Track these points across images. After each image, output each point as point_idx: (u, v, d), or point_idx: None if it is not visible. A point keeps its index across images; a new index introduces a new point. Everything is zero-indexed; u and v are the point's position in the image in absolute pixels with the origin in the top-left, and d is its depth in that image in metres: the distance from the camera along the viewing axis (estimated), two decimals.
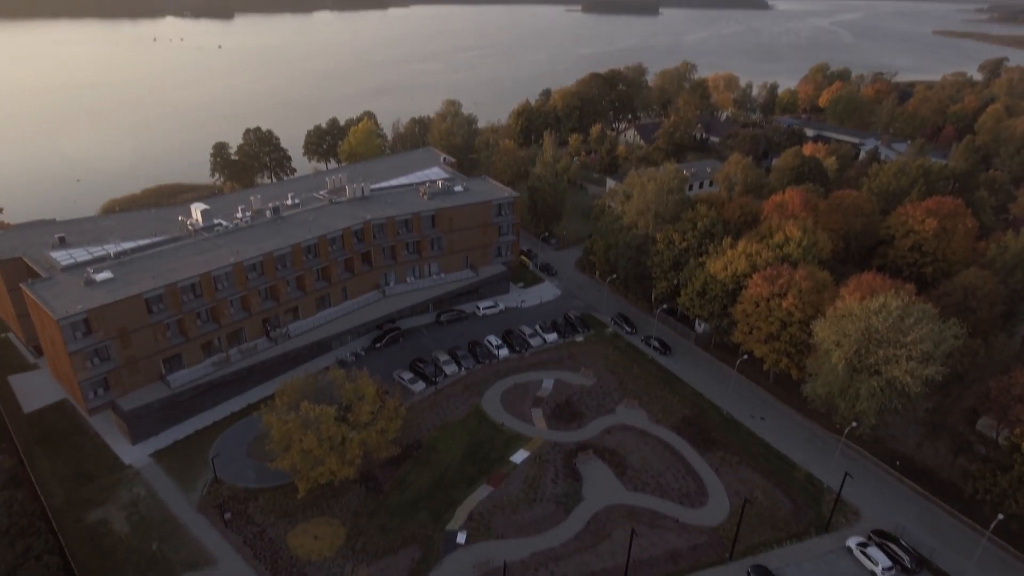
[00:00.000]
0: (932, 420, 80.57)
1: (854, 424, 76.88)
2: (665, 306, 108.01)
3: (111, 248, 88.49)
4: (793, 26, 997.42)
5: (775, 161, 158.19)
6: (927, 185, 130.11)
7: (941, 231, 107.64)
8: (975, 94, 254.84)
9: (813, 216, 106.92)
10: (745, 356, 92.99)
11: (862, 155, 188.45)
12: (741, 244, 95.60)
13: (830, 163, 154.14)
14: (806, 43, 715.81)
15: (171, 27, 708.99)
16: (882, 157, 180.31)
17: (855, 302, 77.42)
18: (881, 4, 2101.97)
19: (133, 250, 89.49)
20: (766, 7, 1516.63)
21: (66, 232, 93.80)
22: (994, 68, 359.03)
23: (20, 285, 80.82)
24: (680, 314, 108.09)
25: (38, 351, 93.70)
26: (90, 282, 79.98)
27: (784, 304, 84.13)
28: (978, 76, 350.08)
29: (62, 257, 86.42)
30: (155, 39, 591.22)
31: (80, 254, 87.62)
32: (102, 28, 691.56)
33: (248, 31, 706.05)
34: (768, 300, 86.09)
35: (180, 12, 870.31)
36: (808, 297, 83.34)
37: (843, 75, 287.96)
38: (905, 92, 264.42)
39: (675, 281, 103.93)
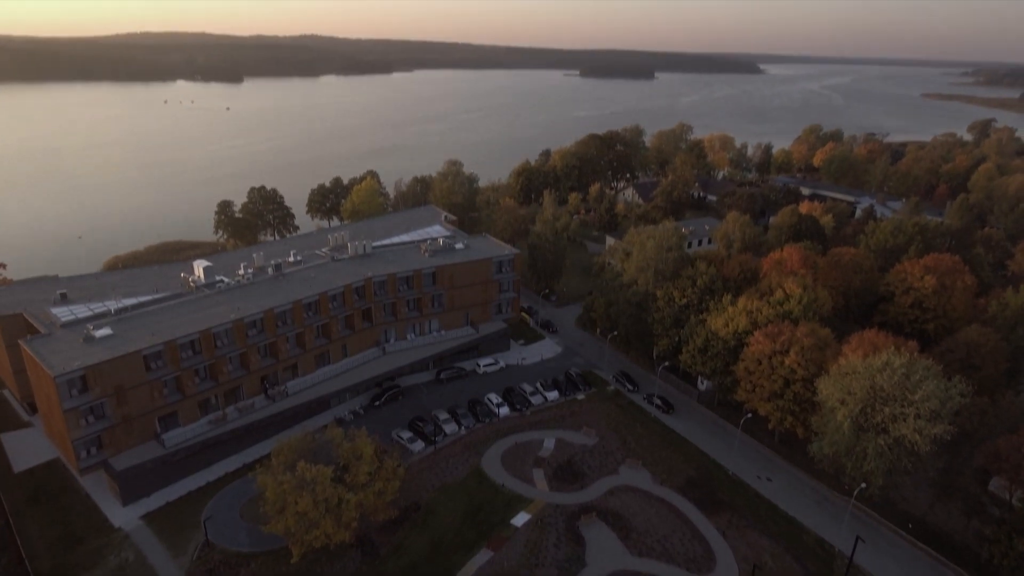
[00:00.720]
0: (943, 481, 78.72)
1: (863, 485, 75.06)
2: (667, 363, 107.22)
3: (112, 304, 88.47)
4: (784, 89, 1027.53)
5: (772, 219, 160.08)
6: (924, 242, 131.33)
7: (940, 288, 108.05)
8: (966, 154, 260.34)
9: (812, 273, 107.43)
10: (749, 415, 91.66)
11: (858, 213, 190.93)
12: (741, 301, 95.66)
13: (827, 221, 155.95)
14: (798, 105, 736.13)
15: (182, 90, 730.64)
16: (878, 215, 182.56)
17: (858, 359, 76.82)
18: (868, 68, 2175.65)
19: (134, 306, 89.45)
20: (757, 71, 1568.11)
21: (68, 288, 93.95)
22: (983, 129, 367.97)
23: (19, 341, 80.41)
24: (682, 371, 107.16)
25: (32, 408, 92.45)
26: (89, 339, 79.58)
27: (786, 361, 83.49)
28: (967, 136, 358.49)
29: (62, 313, 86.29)
30: (166, 101, 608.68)
31: (81, 310, 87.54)
32: (115, 91, 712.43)
33: (256, 94, 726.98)
34: (770, 357, 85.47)
35: (192, 76, 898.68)
36: (810, 354, 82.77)
37: (836, 136, 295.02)
38: (897, 152, 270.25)
39: (676, 338, 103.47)
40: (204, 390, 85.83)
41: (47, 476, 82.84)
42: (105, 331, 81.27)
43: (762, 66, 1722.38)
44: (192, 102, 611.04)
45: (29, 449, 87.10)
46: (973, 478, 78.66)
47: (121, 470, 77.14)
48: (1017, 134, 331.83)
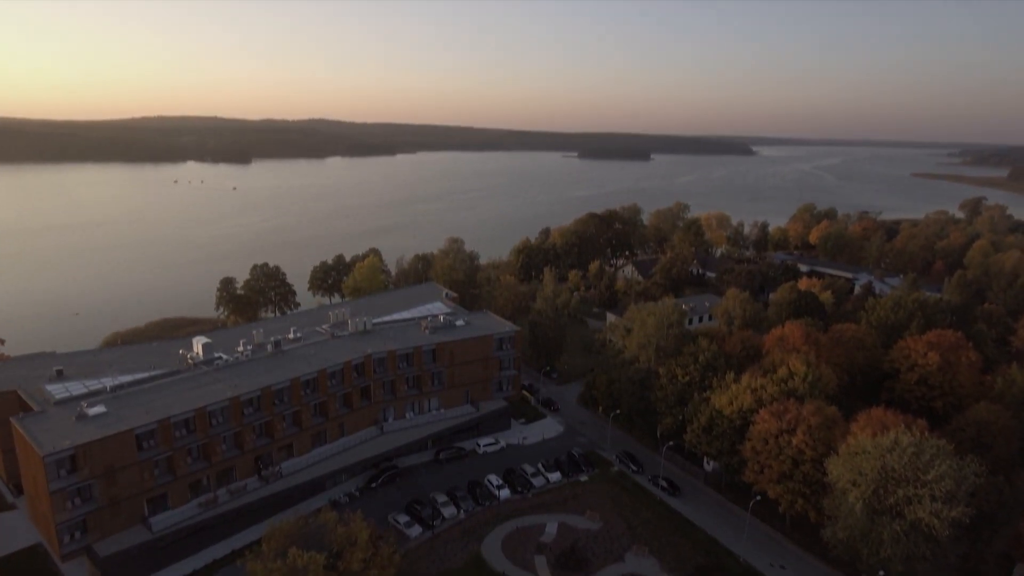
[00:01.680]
0: (965, 567, 75.20)
1: (881, 573, 71.63)
2: (672, 443, 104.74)
3: (108, 382, 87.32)
4: (777, 170, 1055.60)
5: (772, 295, 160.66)
6: (925, 318, 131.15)
7: (945, 364, 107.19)
8: (959, 231, 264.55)
9: (815, 350, 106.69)
10: (758, 497, 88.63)
11: (857, 289, 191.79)
12: (745, 378, 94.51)
13: (826, 297, 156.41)
14: (791, 185, 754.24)
15: (192, 171, 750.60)
16: (877, 291, 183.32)
17: (867, 438, 75.08)
18: (858, 149, 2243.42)
19: (130, 383, 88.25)
20: (750, 153, 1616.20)
21: (65, 365, 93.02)
22: (974, 206, 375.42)
23: (10, 419, 78.82)
24: (688, 451, 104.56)
25: (19, 490, 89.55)
26: (82, 416, 78.07)
27: (794, 441, 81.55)
28: (959, 214, 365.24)
29: (57, 390, 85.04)
30: (176, 181, 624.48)
31: (76, 387, 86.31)
32: (126, 172, 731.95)
33: (263, 174, 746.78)
34: (777, 437, 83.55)
35: (201, 158, 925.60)
36: (818, 433, 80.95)
37: (830, 214, 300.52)
38: (891, 229, 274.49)
39: (680, 417, 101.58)
40: (196, 471, 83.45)
41: (26, 563, 79.13)
42: (99, 408, 79.83)
43: (755, 148, 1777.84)
44: (202, 182, 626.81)
45: (10, 534, 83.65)
46: (996, 564, 75.19)
47: (105, 556, 73.87)
48: (1008, 211, 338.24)
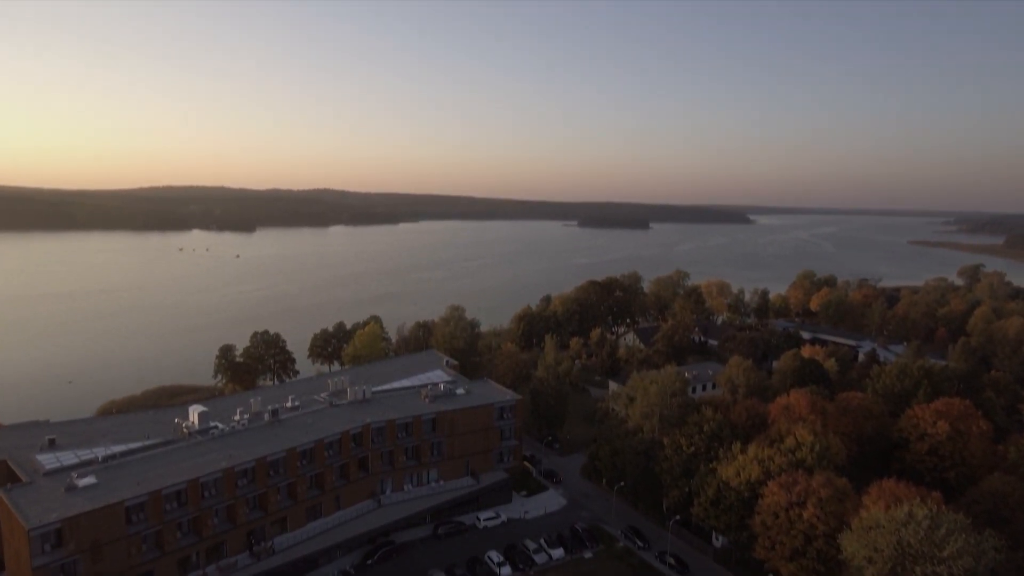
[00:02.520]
0: None
1: None
2: (678, 517, 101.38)
3: (100, 452, 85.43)
4: (775, 238, 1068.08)
5: (775, 363, 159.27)
6: (932, 386, 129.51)
7: (955, 434, 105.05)
8: (960, 297, 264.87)
9: (822, 419, 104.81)
10: None
11: (861, 357, 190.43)
12: (752, 449, 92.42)
13: (830, 365, 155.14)
14: (790, 253, 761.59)
15: (197, 239, 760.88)
16: (881, 359, 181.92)
17: (881, 512, 72.64)
18: (855, 218, 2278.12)
19: (123, 453, 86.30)
20: (748, 221, 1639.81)
21: (58, 434, 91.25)
22: (972, 273, 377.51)
23: None
24: (695, 526, 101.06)
25: (1, 565, 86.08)
26: (71, 488, 75.92)
27: (805, 515, 78.89)
28: (958, 281, 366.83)
29: (48, 460, 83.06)
30: (181, 249, 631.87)
31: (67, 457, 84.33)
32: (131, 239, 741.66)
33: (267, 243, 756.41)
34: (787, 510, 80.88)
35: (207, 226, 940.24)
36: (829, 507, 78.41)
37: (830, 281, 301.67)
38: (892, 296, 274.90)
39: (687, 489, 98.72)
40: (185, 546, 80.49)
41: None
42: (89, 480, 77.77)
43: (752, 217, 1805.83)
44: (207, 249, 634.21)
45: None
46: None
47: None
48: (1007, 278, 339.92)
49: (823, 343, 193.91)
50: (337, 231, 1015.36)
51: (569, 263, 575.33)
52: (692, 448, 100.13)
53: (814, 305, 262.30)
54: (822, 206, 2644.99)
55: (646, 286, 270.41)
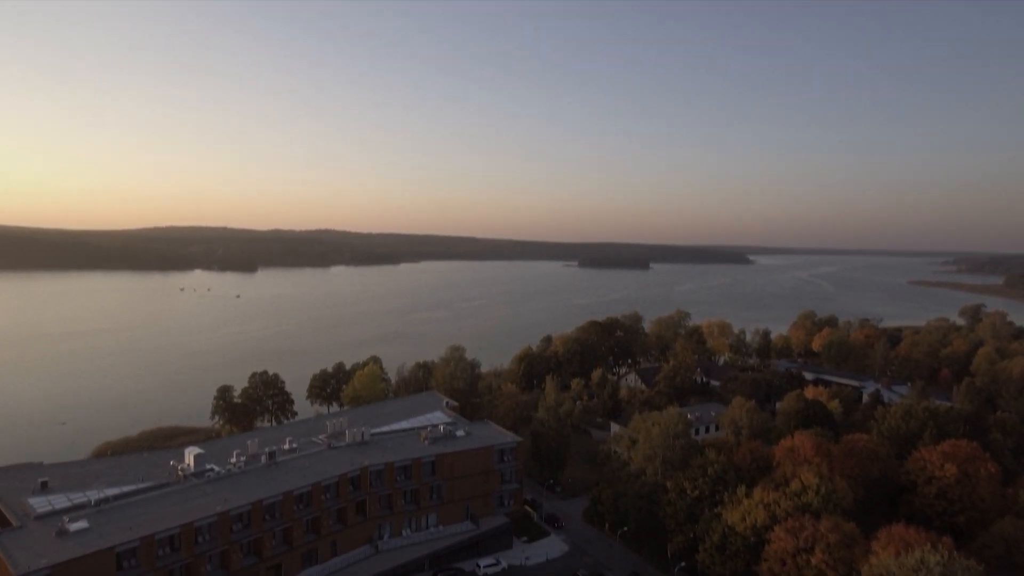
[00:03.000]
0: None
1: None
2: (683, 563, 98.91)
3: (93, 495, 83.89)
4: (775, 278, 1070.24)
5: (779, 404, 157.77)
6: (937, 428, 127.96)
7: (963, 476, 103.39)
8: (962, 337, 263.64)
9: (827, 461, 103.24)
10: None
11: (865, 398, 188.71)
12: (757, 492, 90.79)
13: (834, 406, 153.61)
14: (789, 293, 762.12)
15: (198, 279, 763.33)
16: (885, 400, 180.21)
17: (891, 558, 70.92)
18: (854, 258, 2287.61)
19: (116, 497, 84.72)
20: (747, 262, 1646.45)
21: (52, 476, 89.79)
22: (974, 313, 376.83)
23: None
24: (701, 572, 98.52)
25: None
26: (63, 532, 74.33)
27: (813, 561, 77.06)
28: (960, 320, 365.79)
29: (40, 504, 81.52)
30: (182, 289, 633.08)
31: (60, 501, 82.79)
32: (133, 279, 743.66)
33: (268, 283, 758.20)
34: (795, 556, 79.04)
35: (208, 266, 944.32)
36: (838, 552, 76.63)
37: (831, 321, 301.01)
38: (894, 336, 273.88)
39: (691, 534, 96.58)
40: None
41: None
42: (81, 524, 76.20)
43: (751, 257, 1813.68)
44: (208, 290, 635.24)
45: None
46: None
47: None
48: (1009, 318, 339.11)
49: (826, 384, 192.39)
50: (338, 271, 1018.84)
51: (570, 303, 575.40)
52: (696, 492, 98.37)
53: (816, 345, 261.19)
54: (821, 246, 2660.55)
55: (647, 326, 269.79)
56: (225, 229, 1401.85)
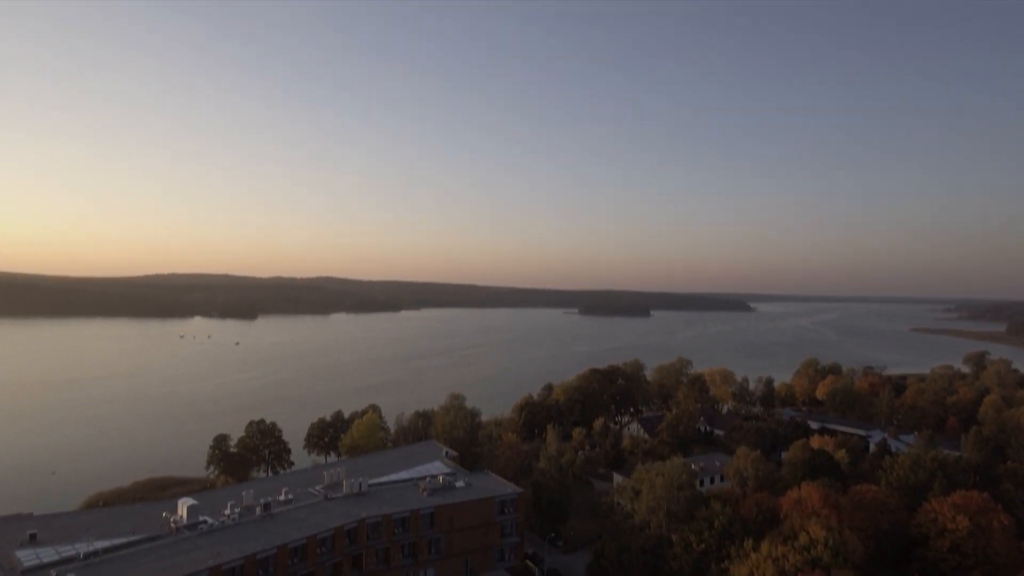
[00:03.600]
0: None
1: None
2: None
3: (82, 548, 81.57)
4: (776, 326, 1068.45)
5: (784, 454, 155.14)
6: (946, 478, 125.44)
7: (976, 529, 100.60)
8: (967, 385, 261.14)
9: (836, 514, 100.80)
10: None
11: (872, 447, 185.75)
12: (764, 547, 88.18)
13: (841, 456, 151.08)
14: (791, 340, 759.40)
15: (198, 326, 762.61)
16: (892, 449, 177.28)
17: None
18: (854, 305, 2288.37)
19: (106, 550, 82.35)
20: (748, 309, 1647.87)
21: (40, 528, 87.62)
22: (978, 361, 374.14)
23: None
24: None
25: None
26: None
27: None
28: (965, 368, 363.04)
29: (27, 557, 79.19)
30: (182, 336, 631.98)
31: (48, 554, 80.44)
32: (133, 326, 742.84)
33: (268, 330, 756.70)
34: None
35: (208, 313, 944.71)
36: None
37: (834, 369, 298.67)
38: (899, 385, 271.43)
39: None
40: None
41: None
42: None
43: (752, 304, 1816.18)
44: (208, 337, 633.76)
45: None
46: None
47: None
48: (1013, 365, 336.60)
49: (832, 433, 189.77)
50: (339, 318, 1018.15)
51: (570, 351, 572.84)
52: (702, 546, 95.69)
53: (820, 393, 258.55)
54: (821, 293, 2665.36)
55: (649, 374, 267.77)
56: (227, 276, 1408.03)
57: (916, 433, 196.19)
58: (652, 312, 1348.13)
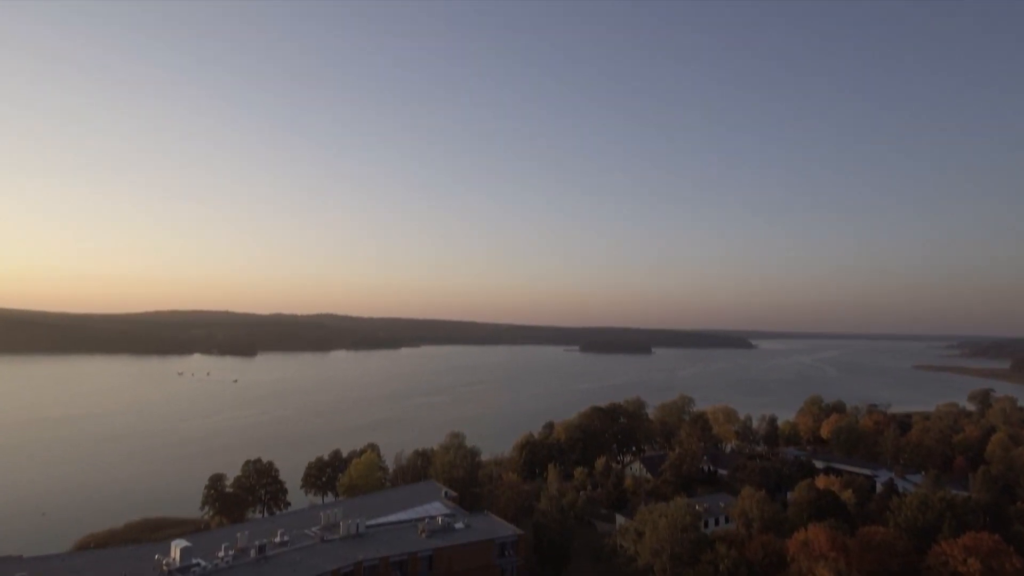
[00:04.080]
0: None
1: None
2: None
3: None
4: (778, 363, 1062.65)
5: (790, 494, 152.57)
6: (956, 519, 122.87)
7: (988, 572, 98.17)
8: (973, 423, 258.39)
9: (844, 556, 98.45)
10: None
11: (879, 487, 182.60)
12: None
13: (847, 496, 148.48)
14: (794, 378, 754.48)
15: (197, 363, 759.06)
16: (899, 489, 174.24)
17: None
18: (856, 342, 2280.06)
19: None
20: (749, 346, 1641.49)
21: (30, 570, 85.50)
22: (983, 398, 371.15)
23: None
24: None
25: None
26: None
27: None
28: (970, 406, 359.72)
29: None
30: (180, 373, 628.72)
31: None
32: (132, 363, 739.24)
33: (267, 367, 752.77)
34: None
35: (208, 350, 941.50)
36: None
37: (838, 407, 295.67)
38: (904, 423, 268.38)
39: None
40: None
41: None
42: None
43: (753, 341, 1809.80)
44: (208, 374, 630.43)
45: None
46: None
47: None
48: (1019, 403, 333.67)
49: (838, 472, 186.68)
50: (338, 355, 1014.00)
51: (571, 388, 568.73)
52: None
53: (824, 432, 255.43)
54: (823, 330, 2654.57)
55: (651, 412, 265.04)
56: (227, 313, 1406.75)
57: (923, 472, 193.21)
58: (654, 349, 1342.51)
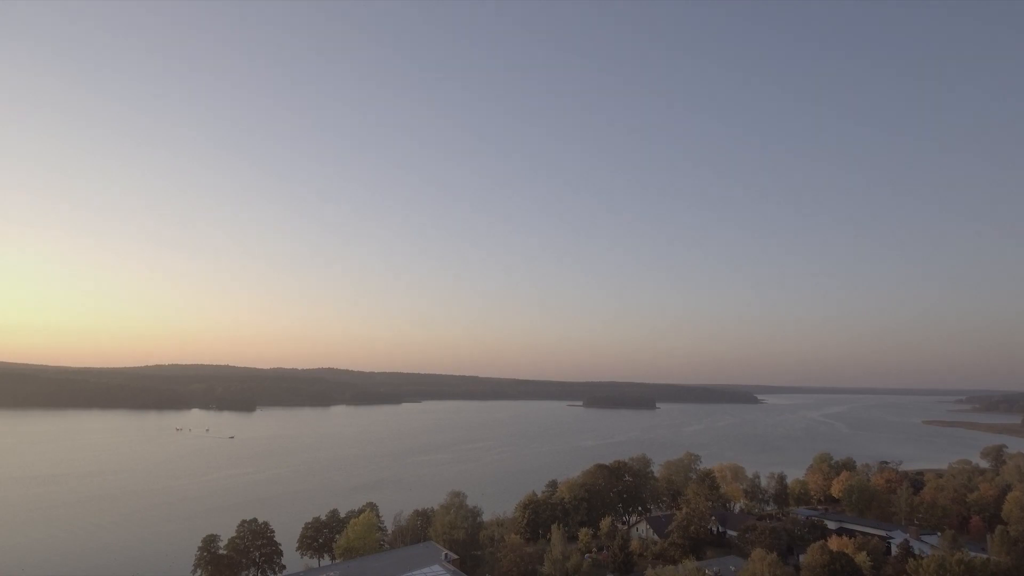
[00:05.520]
0: None
1: None
2: None
3: None
4: (785, 419, 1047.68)
5: (802, 557, 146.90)
6: None
7: None
8: (987, 481, 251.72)
9: None
10: None
11: (893, 549, 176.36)
12: None
13: (862, 559, 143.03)
14: (802, 434, 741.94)
15: (196, 419, 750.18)
16: (916, 551, 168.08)
17: None
18: (864, 397, 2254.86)
19: None
20: (755, 401, 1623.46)
21: None
22: (996, 455, 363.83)
23: None
24: None
25: None
26: None
27: None
28: (983, 463, 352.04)
29: None
30: (178, 429, 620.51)
31: None
32: (129, 419, 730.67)
33: (265, 423, 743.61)
34: None
35: (206, 405, 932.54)
36: None
37: (848, 465, 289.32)
38: (916, 481, 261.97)
39: None
40: None
41: None
42: None
43: (759, 396, 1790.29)
44: (207, 430, 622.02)
45: None
46: None
47: None
48: None
49: (851, 533, 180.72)
50: (338, 411, 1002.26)
51: (575, 445, 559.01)
52: None
53: (835, 491, 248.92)
54: (830, 385, 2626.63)
55: (656, 470, 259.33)
56: (227, 367, 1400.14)
57: (939, 533, 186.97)
58: (658, 404, 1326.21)
